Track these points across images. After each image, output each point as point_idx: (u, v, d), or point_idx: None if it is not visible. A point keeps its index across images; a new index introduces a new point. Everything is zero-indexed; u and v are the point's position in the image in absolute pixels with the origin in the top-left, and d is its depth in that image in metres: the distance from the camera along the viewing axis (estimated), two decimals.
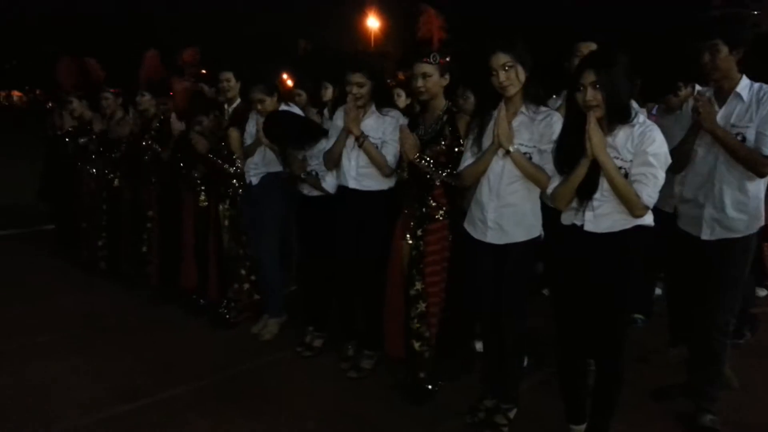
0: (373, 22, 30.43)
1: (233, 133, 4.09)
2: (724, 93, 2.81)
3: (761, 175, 2.79)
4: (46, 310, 4.66)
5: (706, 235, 2.86)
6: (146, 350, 3.93)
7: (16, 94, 27.95)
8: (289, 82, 6.22)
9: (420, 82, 3.04)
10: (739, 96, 2.76)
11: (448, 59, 3.05)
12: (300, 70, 5.36)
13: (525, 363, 3.58)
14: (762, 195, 2.85)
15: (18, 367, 3.69)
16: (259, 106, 3.86)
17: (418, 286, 3.20)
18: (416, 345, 3.23)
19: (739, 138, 2.73)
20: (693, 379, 3.05)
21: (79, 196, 5.59)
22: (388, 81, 4.60)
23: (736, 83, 2.76)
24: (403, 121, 3.31)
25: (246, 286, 4.28)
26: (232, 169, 4.15)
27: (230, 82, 4.39)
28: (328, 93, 4.68)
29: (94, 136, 5.31)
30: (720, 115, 2.78)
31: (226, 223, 4.23)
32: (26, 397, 3.35)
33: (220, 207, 4.25)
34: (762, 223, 2.86)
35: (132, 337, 4.15)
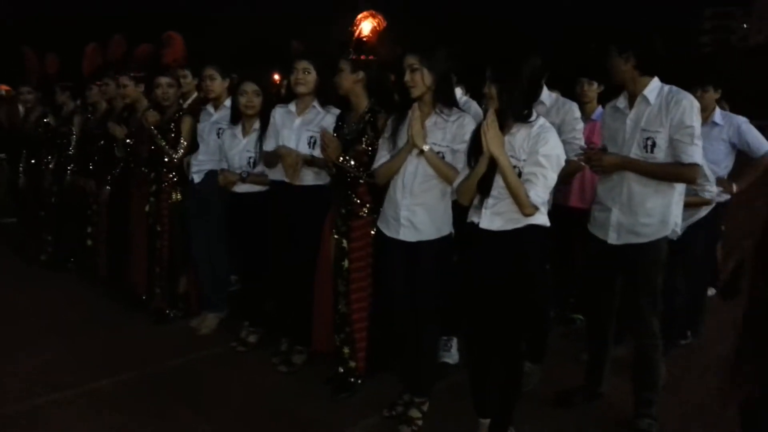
0: (366, 25, 30.63)
1: (187, 119, 4.14)
2: (631, 96, 2.85)
3: (690, 183, 2.86)
4: None
5: (611, 239, 2.88)
6: (85, 343, 3.97)
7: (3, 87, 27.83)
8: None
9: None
10: (645, 99, 2.77)
11: (365, 57, 3.12)
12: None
13: (457, 359, 3.65)
14: (673, 199, 2.86)
15: None
16: (209, 83, 3.97)
17: (341, 285, 3.26)
18: (337, 340, 3.30)
19: (649, 142, 2.74)
20: (634, 385, 2.99)
21: (37, 190, 5.63)
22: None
23: (643, 86, 2.78)
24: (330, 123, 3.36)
25: (186, 281, 4.33)
26: (171, 151, 4.13)
27: (186, 78, 4.47)
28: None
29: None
30: (630, 118, 2.82)
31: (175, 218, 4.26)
32: None
33: (173, 196, 4.22)
34: (669, 229, 2.86)
35: (73, 330, 4.18)
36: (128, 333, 4.14)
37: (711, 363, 3.69)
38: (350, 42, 3.15)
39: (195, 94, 4.46)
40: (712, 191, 3.25)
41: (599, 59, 2.86)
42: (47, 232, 5.54)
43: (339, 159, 3.12)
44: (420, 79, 2.72)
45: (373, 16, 3.32)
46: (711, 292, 4.86)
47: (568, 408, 3.16)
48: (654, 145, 2.73)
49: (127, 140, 4.46)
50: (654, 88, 2.78)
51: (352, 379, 3.30)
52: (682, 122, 2.68)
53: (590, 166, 2.91)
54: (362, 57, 3.14)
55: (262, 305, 3.93)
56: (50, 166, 5.41)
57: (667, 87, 2.79)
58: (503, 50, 2.51)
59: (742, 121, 3.92)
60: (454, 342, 3.66)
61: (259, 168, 3.68)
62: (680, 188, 2.91)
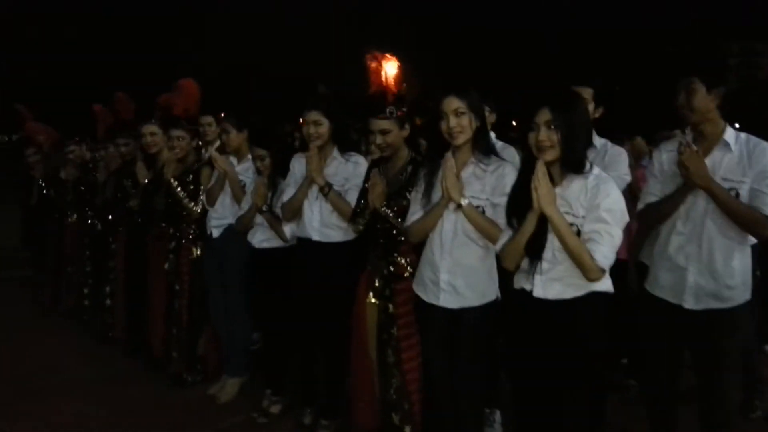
0: (390, 67, 30.93)
1: (206, 170, 3.96)
2: (706, 140, 2.45)
3: (761, 238, 2.44)
4: (9, 359, 4.61)
5: (689, 304, 2.45)
6: (98, 406, 3.77)
7: None
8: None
9: (379, 139, 2.86)
10: (727, 145, 2.41)
11: (405, 109, 2.87)
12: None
13: (498, 421, 3.27)
14: (750, 261, 2.49)
15: None
16: (225, 137, 3.85)
17: (391, 355, 2.91)
18: (395, 419, 2.90)
19: (732, 194, 2.36)
20: None
21: (61, 242, 5.51)
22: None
23: (722, 130, 2.42)
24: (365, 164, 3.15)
25: (205, 342, 4.07)
26: (191, 204, 3.94)
27: (211, 126, 4.33)
28: None
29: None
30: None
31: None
32: None
33: (193, 252, 3.99)
34: (750, 293, 2.46)
35: (86, 392, 4.00)
36: (143, 397, 3.88)
37: None
38: (384, 98, 2.89)
39: (218, 143, 4.29)
40: None
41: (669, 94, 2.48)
42: (83, 286, 5.33)
43: (382, 206, 2.84)
44: (468, 124, 2.46)
45: (384, 58, 3.07)
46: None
47: None
48: (737, 196, 2.37)
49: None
50: (732, 133, 2.42)
51: None
52: (764, 172, 2.35)
53: (688, 174, 2.36)
54: (403, 111, 2.88)
55: (286, 370, 3.62)
56: (70, 220, 5.31)
57: (743, 134, 2.45)
58: (563, 90, 2.22)
59: None
60: (498, 415, 3.28)
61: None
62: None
